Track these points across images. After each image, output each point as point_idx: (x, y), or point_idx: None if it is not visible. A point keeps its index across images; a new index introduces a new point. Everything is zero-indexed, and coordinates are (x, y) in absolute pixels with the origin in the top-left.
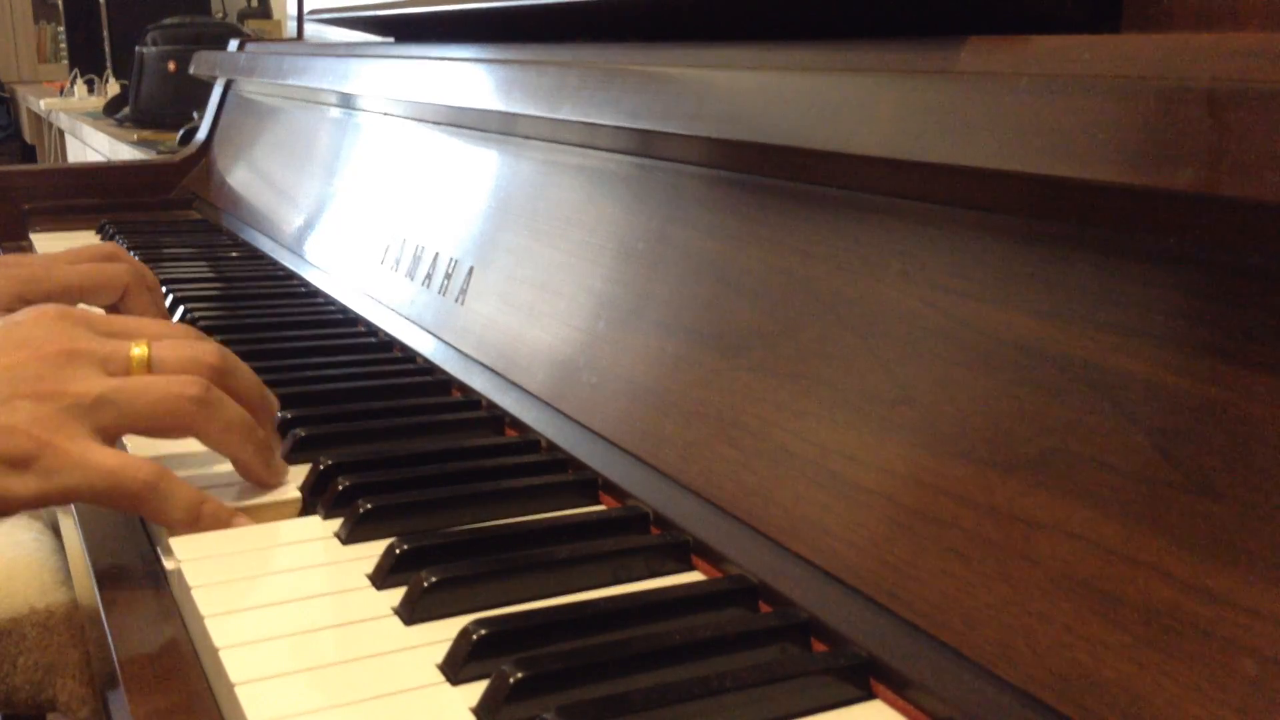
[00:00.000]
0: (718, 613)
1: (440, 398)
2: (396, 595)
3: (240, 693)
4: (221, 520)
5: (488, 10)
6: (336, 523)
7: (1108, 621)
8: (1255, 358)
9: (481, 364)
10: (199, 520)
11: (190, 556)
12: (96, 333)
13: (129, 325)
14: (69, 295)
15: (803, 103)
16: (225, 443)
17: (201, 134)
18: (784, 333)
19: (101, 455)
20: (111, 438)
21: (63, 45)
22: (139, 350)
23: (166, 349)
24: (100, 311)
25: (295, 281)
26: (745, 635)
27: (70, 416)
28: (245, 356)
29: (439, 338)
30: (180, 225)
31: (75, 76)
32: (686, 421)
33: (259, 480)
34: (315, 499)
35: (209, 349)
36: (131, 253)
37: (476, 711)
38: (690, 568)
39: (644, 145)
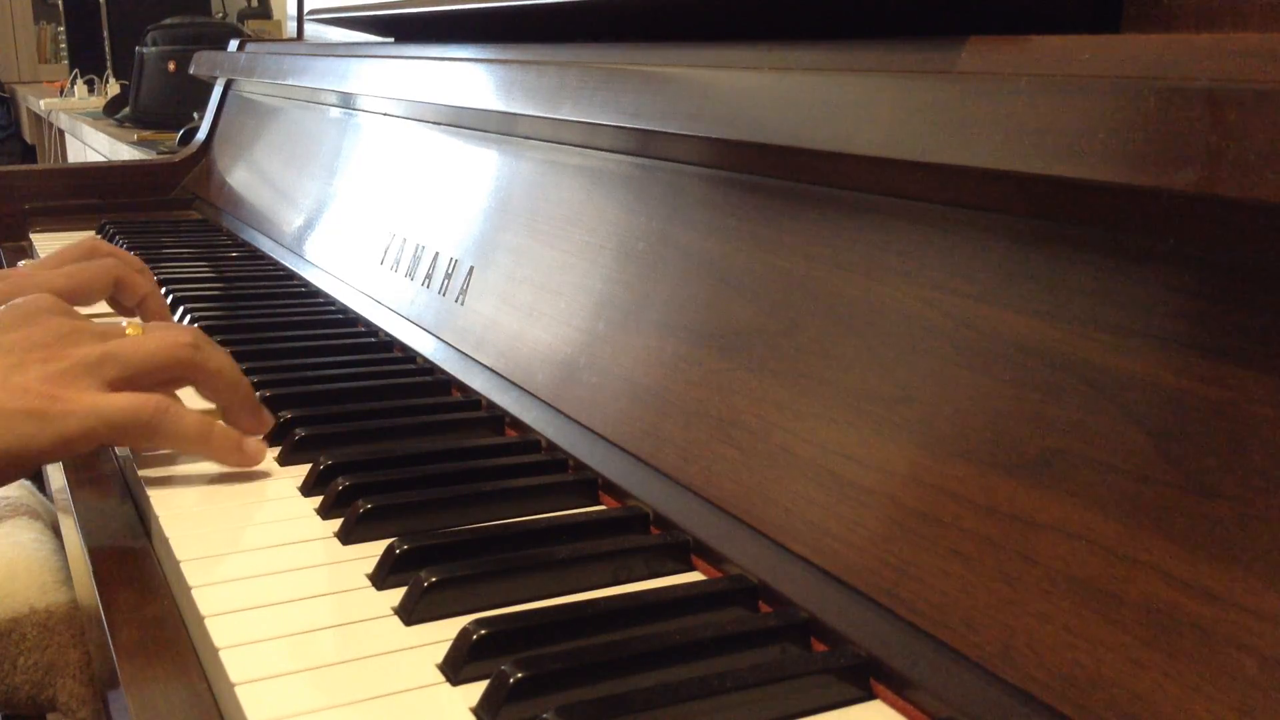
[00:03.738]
0: (718, 613)
1: (440, 398)
2: (396, 595)
3: (240, 692)
4: (232, 439)
5: (488, 10)
6: (336, 522)
7: (1108, 621)
8: (1255, 358)
9: (481, 364)
10: (211, 437)
11: (190, 556)
12: (89, 318)
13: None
14: None
15: (803, 103)
16: (218, 386)
17: (201, 134)
18: (784, 333)
19: (111, 397)
20: (118, 390)
21: (63, 45)
22: (132, 329)
23: (154, 325)
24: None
25: (295, 281)
26: (745, 635)
27: (78, 373)
28: (245, 356)
29: (439, 338)
30: (180, 225)
31: (75, 76)
32: (686, 421)
33: (246, 425)
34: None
35: (189, 328)
36: (130, 253)
37: (476, 711)
38: (690, 568)
39: (644, 145)
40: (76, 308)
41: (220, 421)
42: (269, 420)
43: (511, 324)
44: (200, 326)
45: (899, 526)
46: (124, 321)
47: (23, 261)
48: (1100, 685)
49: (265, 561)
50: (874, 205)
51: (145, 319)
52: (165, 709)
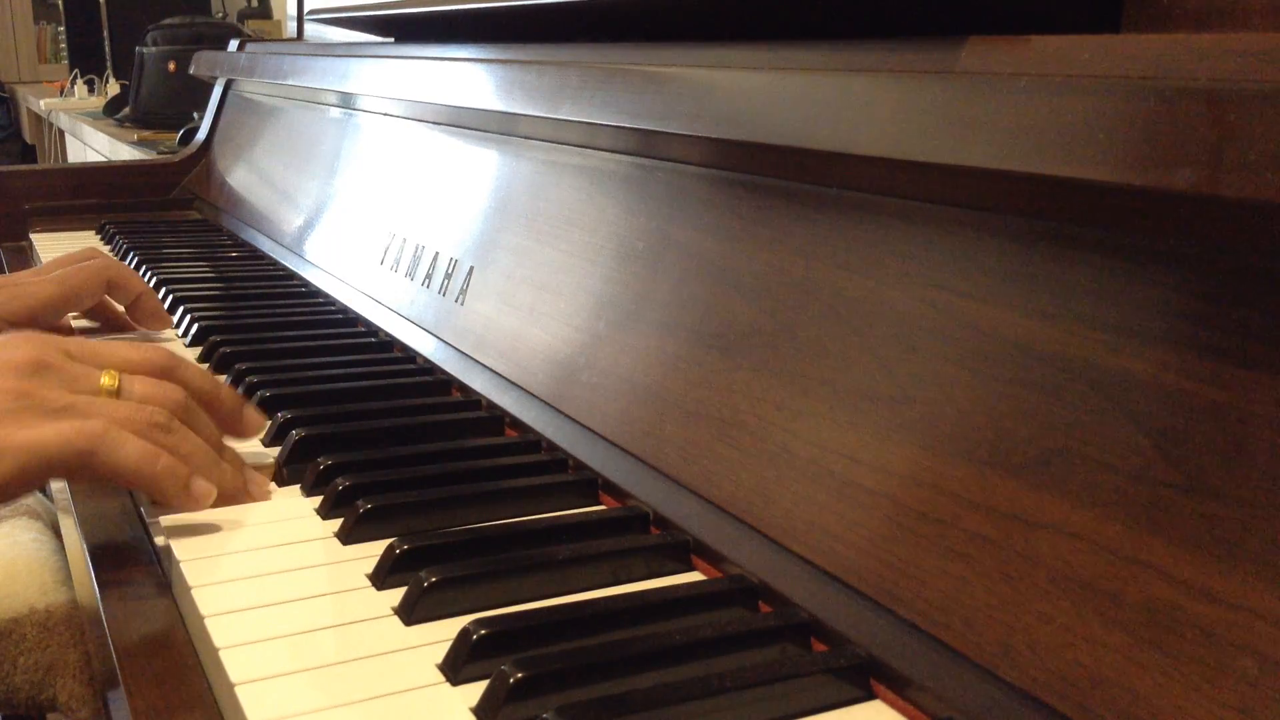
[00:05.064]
0: (718, 613)
1: (440, 398)
2: (396, 595)
3: (240, 693)
4: (178, 476)
5: (488, 10)
6: (336, 523)
7: (1108, 621)
8: (1255, 358)
9: (481, 364)
10: (155, 473)
11: (190, 556)
12: (69, 355)
13: (101, 351)
14: (51, 306)
15: (803, 103)
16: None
17: (201, 134)
18: (784, 333)
19: (48, 428)
20: None
21: (63, 45)
22: (108, 380)
23: (135, 383)
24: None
25: (295, 281)
26: (745, 635)
27: (32, 414)
28: (245, 356)
29: (439, 338)
30: (180, 225)
31: (75, 76)
32: (686, 421)
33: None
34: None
35: (174, 390)
36: (131, 253)
37: (476, 711)
38: (690, 568)
39: (644, 145)
40: (72, 314)
41: (167, 456)
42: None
43: (511, 324)
44: (200, 326)
45: (899, 526)
46: (102, 373)
47: (41, 250)
48: (1100, 685)
49: (265, 561)
50: (874, 205)
51: (139, 318)
52: (165, 709)
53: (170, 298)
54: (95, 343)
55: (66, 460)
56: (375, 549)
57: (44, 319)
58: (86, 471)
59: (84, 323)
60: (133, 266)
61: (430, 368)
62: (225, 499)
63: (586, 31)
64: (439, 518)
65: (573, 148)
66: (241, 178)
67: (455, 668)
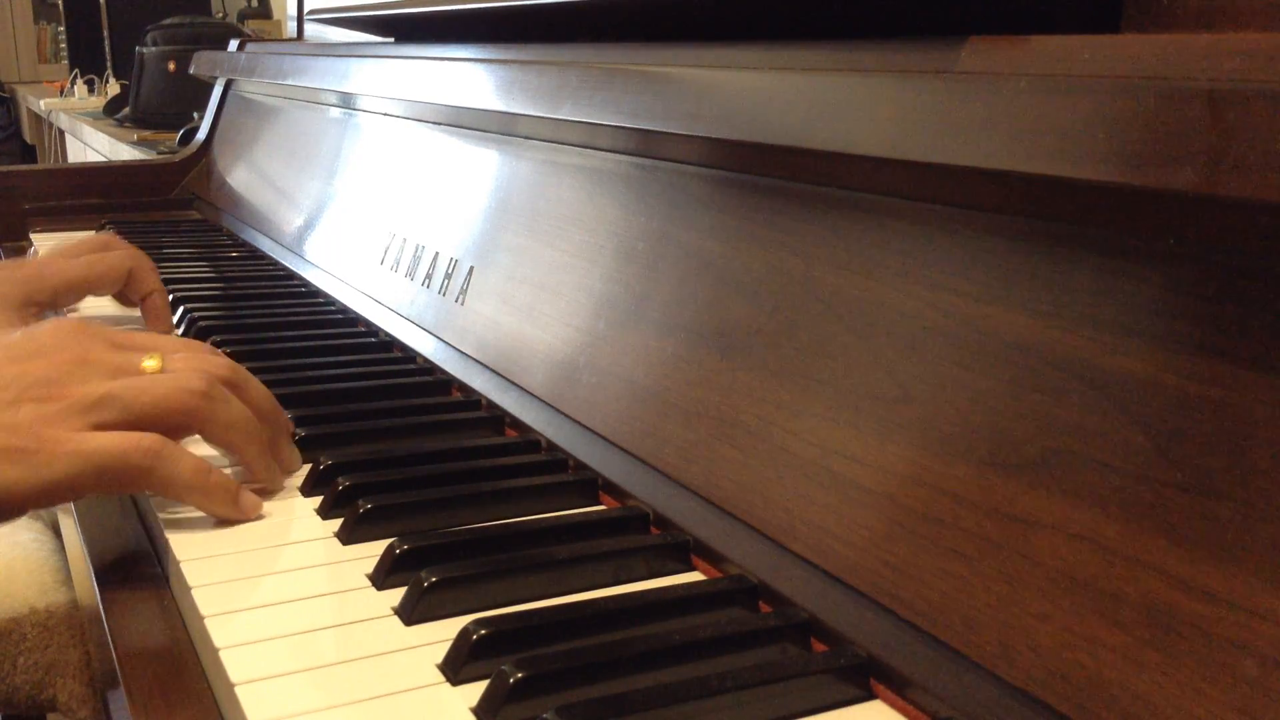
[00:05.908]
0: (718, 613)
1: (440, 397)
2: (396, 595)
3: (240, 693)
4: (229, 490)
5: (488, 10)
6: (336, 523)
7: (1108, 621)
8: (1255, 358)
9: (481, 364)
10: (208, 487)
11: (190, 556)
12: (113, 345)
13: (145, 341)
14: (73, 289)
15: (803, 103)
16: (228, 441)
17: (201, 134)
18: (784, 333)
19: (101, 437)
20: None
21: (63, 45)
22: (151, 363)
23: (179, 360)
24: (115, 326)
25: (295, 281)
26: (745, 635)
27: (72, 414)
28: (245, 356)
29: (439, 338)
30: (180, 225)
31: (75, 76)
32: (686, 421)
33: (258, 480)
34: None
35: (221, 361)
36: (142, 251)
37: (476, 711)
38: (690, 568)
39: (644, 145)
40: (97, 309)
41: (218, 472)
42: (279, 480)
43: (511, 324)
44: (200, 327)
45: (899, 526)
46: (145, 356)
47: (38, 249)
48: (1100, 685)
49: (265, 561)
50: (874, 205)
51: (147, 316)
52: (165, 709)
53: (170, 297)
54: (144, 335)
55: (121, 472)
56: (375, 549)
57: (65, 300)
58: (138, 486)
59: (99, 302)
60: None
61: (430, 368)
62: (253, 474)
63: (586, 31)
64: (439, 518)
65: (573, 148)
66: (241, 178)
67: (455, 668)
